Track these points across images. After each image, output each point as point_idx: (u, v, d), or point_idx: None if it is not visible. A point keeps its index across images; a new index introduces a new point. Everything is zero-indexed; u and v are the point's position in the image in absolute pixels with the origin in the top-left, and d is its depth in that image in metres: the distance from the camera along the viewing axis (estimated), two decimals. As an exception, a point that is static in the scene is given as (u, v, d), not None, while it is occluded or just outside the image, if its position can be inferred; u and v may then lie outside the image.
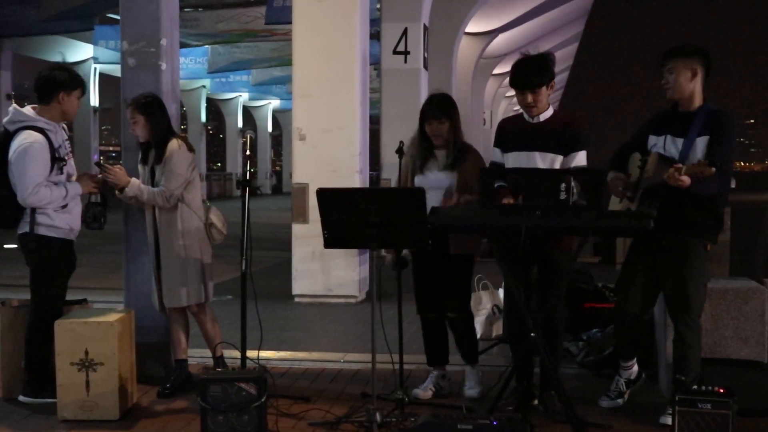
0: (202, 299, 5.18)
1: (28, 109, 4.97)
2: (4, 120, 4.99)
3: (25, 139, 4.82)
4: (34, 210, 4.87)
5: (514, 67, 4.76)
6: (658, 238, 4.54)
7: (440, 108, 5.00)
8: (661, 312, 5.06)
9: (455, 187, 4.88)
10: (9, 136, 4.90)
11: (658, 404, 4.81)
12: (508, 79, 5.20)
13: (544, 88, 4.66)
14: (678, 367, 4.61)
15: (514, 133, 4.79)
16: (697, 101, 4.56)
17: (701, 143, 4.47)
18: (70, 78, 5.04)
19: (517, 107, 4.90)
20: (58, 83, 4.98)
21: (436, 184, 4.87)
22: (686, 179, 4.24)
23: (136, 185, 5.05)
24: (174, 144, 5.06)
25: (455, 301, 5.03)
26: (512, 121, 4.96)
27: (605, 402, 4.88)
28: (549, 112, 4.74)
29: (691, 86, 4.53)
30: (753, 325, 5.03)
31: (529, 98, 4.66)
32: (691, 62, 4.52)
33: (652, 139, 4.67)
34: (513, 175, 4.69)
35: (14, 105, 5.03)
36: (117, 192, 5.12)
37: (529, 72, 4.66)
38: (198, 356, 5.68)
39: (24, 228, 4.93)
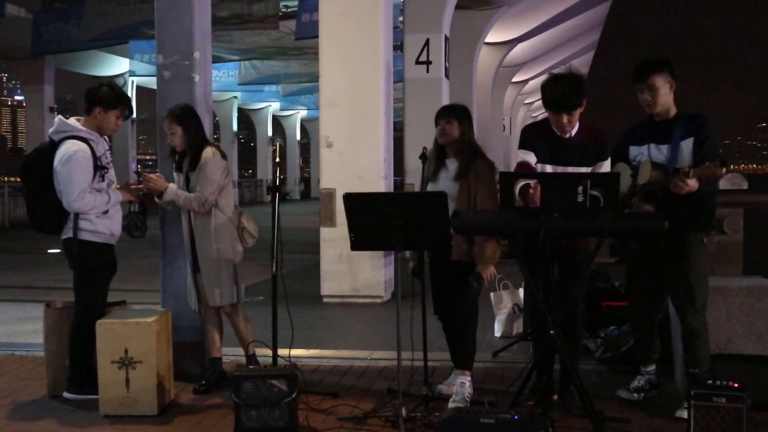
0: (234, 300, 5.31)
1: (72, 120, 5.16)
2: (50, 130, 5.18)
3: (69, 147, 5.01)
4: (77, 216, 5.05)
5: (547, 87, 4.73)
6: (657, 239, 4.64)
7: (449, 108, 5.08)
8: (675, 310, 5.17)
9: (456, 197, 4.86)
10: (54, 145, 5.09)
11: (673, 399, 4.90)
12: (526, 87, 5.24)
13: (579, 107, 4.67)
14: (690, 361, 4.72)
15: (545, 146, 4.77)
16: (673, 109, 4.75)
17: (686, 146, 4.65)
18: (110, 97, 5.17)
19: (536, 114, 4.97)
20: (97, 99, 5.16)
21: (446, 192, 4.76)
22: (694, 184, 4.40)
23: (173, 191, 5.21)
24: (208, 152, 5.20)
25: (449, 305, 5.07)
26: (540, 130, 4.87)
27: (623, 393, 5.00)
28: (576, 126, 4.77)
29: (670, 98, 4.73)
30: (766, 322, 5.12)
31: (565, 119, 4.66)
32: (667, 76, 4.70)
33: (634, 150, 4.86)
34: (532, 179, 4.73)
35: (59, 116, 5.21)
36: (156, 198, 5.32)
37: (567, 94, 4.63)
38: (231, 354, 5.80)
39: (67, 233, 5.10)
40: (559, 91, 4.65)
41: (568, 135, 4.76)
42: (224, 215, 5.28)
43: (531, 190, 4.55)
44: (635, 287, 5.04)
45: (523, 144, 4.86)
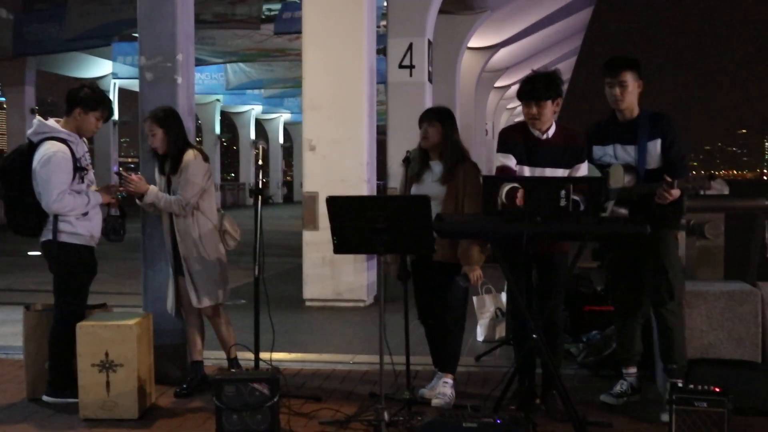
0: (217, 301, 5.29)
1: (51, 122, 5.12)
2: (29, 131, 5.14)
3: (49, 148, 4.97)
4: (56, 218, 5.00)
5: (522, 81, 4.85)
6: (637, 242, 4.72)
7: (432, 111, 5.09)
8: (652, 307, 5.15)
9: (443, 200, 4.90)
10: (33, 146, 5.04)
11: (655, 403, 4.91)
12: (508, 92, 5.30)
13: (549, 102, 4.70)
14: (666, 357, 4.81)
15: (522, 147, 4.80)
16: (636, 109, 4.86)
17: (653, 147, 4.76)
18: (91, 98, 5.15)
19: (518, 118, 4.99)
20: (78, 100, 5.13)
21: (430, 194, 4.75)
22: (677, 192, 4.54)
23: (154, 193, 5.18)
24: (190, 154, 5.18)
25: (435, 308, 5.07)
26: (517, 132, 4.90)
27: (606, 398, 5.00)
28: (553, 128, 4.80)
29: (636, 97, 4.83)
30: (747, 327, 5.14)
31: (534, 110, 4.71)
32: (636, 75, 4.80)
33: (598, 150, 4.93)
34: (516, 183, 4.82)
35: (38, 117, 5.16)
36: (137, 200, 5.28)
37: (537, 86, 4.73)
38: (213, 358, 5.76)
39: (47, 236, 5.06)
40: (531, 82, 4.76)
41: (544, 136, 4.79)
42: (207, 218, 5.26)
43: (518, 194, 4.54)
44: (617, 290, 5.10)
45: (502, 147, 4.88)
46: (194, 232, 5.21)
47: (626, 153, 4.84)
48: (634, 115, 4.87)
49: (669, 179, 4.53)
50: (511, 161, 4.79)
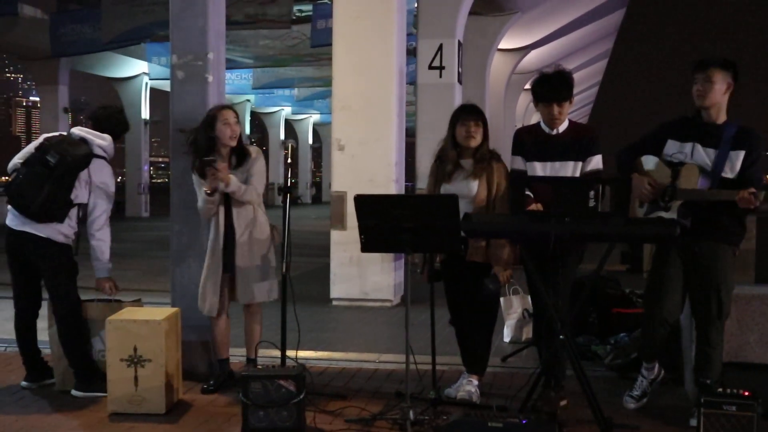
0: (266, 298, 5.30)
1: (111, 144, 5.28)
2: (97, 140, 5.20)
3: (109, 171, 5.22)
4: (78, 231, 5.19)
5: (538, 82, 4.85)
6: (688, 245, 4.62)
7: (477, 111, 5.05)
8: (686, 316, 5.12)
9: (474, 198, 4.89)
10: (92, 154, 5.15)
11: (682, 406, 4.88)
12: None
13: (567, 102, 4.81)
14: (702, 370, 4.68)
15: (536, 144, 4.87)
16: (723, 115, 4.66)
17: (736, 157, 4.55)
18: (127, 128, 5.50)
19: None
20: (125, 129, 5.44)
21: (462, 192, 4.84)
22: (757, 202, 4.37)
23: (236, 182, 5.15)
24: (256, 149, 5.32)
25: (469, 308, 5.03)
26: (530, 131, 5.01)
27: (631, 403, 4.95)
28: (565, 123, 4.89)
29: (723, 99, 4.63)
30: (777, 331, 5.10)
31: (556, 111, 4.78)
32: (727, 75, 4.60)
33: (674, 145, 4.71)
34: (544, 183, 4.78)
35: (110, 137, 5.28)
36: (217, 189, 5.12)
37: (558, 86, 4.79)
38: (239, 355, 5.76)
39: (58, 237, 5.11)
40: (552, 83, 4.82)
41: (555, 131, 4.86)
42: (263, 213, 5.34)
43: (529, 201, 4.73)
44: (657, 290, 4.82)
45: (515, 147, 5.00)
46: (256, 227, 5.25)
47: (705, 155, 4.62)
48: (720, 119, 4.66)
49: (753, 190, 4.37)
50: (519, 164, 4.93)
